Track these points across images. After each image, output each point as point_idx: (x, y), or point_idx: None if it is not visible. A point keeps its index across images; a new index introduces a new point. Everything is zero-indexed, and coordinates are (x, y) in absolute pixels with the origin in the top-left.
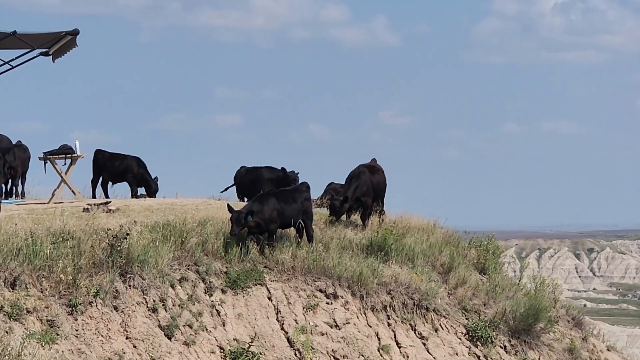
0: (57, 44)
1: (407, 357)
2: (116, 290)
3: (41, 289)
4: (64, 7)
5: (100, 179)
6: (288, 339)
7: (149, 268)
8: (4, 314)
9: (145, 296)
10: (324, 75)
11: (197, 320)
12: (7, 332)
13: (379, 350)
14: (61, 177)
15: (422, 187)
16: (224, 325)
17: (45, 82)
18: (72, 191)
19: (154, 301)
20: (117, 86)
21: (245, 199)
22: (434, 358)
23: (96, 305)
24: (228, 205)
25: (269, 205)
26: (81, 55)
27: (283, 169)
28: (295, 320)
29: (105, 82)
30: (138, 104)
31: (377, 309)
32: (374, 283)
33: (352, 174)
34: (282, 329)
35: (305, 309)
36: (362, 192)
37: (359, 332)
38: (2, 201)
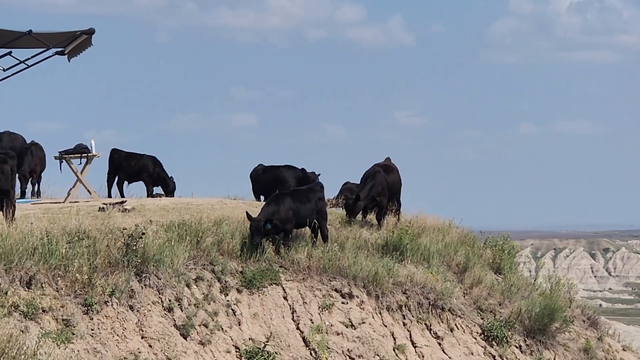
0: (73, 43)
1: (423, 356)
2: (132, 289)
3: (57, 288)
4: (79, 7)
5: (116, 178)
6: (304, 339)
7: (164, 267)
8: (20, 313)
9: (160, 295)
10: (339, 75)
11: (213, 320)
12: (22, 332)
13: (394, 350)
14: (77, 176)
15: (437, 187)
16: (239, 325)
17: (61, 82)
18: (88, 190)
19: (170, 300)
20: (132, 86)
21: (262, 198)
22: (450, 358)
23: (112, 305)
24: (247, 213)
25: (285, 205)
26: (97, 55)
27: (303, 169)
28: (311, 320)
29: (121, 81)
30: (153, 104)
31: (392, 309)
32: (389, 283)
33: (367, 174)
34: (298, 328)
35: (320, 309)
36: (378, 191)
37: (374, 331)
38: (18, 200)
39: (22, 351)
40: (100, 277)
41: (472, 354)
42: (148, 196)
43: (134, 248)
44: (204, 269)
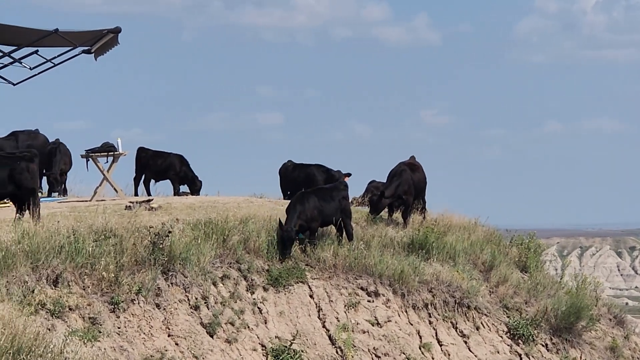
0: (99, 41)
1: (449, 355)
2: (158, 287)
3: (83, 286)
4: (105, 5)
5: (143, 176)
6: (329, 337)
7: (191, 266)
8: (47, 312)
9: (187, 294)
10: (365, 74)
11: (239, 318)
12: (49, 330)
13: (420, 349)
14: (103, 174)
15: (463, 186)
16: (265, 323)
17: (87, 80)
18: (115, 189)
19: (196, 299)
20: (159, 84)
21: (289, 194)
22: (476, 356)
23: (138, 303)
24: (280, 221)
25: (310, 204)
26: (123, 53)
27: (329, 170)
28: (337, 318)
29: (148, 80)
30: (180, 102)
31: (418, 307)
32: (415, 281)
33: (394, 172)
34: (324, 326)
35: (346, 307)
36: (404, 190)
37: (400, 330)
38: (45, 199)
39: (48, 349)
40: (127, 276)
41: (498, 352)
42: (175, 194)
43: (161, 246)
44: (230, 267)
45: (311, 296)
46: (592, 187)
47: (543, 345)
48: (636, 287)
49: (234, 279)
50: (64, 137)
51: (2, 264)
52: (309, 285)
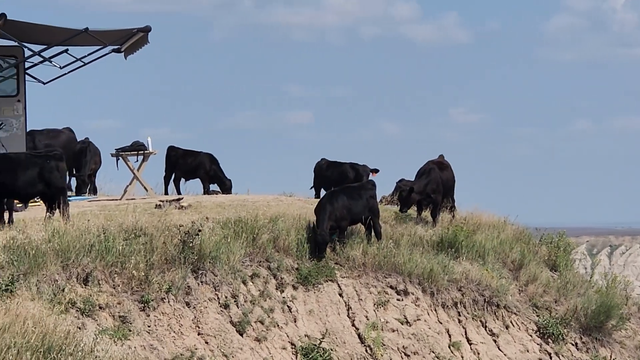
0: (129, 40)
1: (478, 353)
2: (188, 286)
3: (113, 285)
4: (135, 4)
5: (173, 175)
6: (359, 335)
7: (220, 264)
8: (77, 310)
9: (217, 292)
10: (394, 73)
11: (269, 317)
12: (79, 328)
13: (449, 347)
14: (133, 173)
15: (492, 184)
16: (295, 322)
17: (117, 79)
18: (145, 188)
19: (226, 297)
20: (188, 83)
21: (323, 192)
22: (505, 355)
23: (168, 302)
24: (314, 225)
25: (339, 203)
26: (153, 52)
27: (357, 166)
28: (366, 317)
29: (177, 79)
30: (209, 101)
31: (447, 306)
32: (444, 280)
33: (422, 170)
34: (353, 325)
35: (376, 306)
36: (432, 188)
37: (429, 328)
38: (75, 198)
39: (79, 348)
40: (157, 274)
41: (527, 351)
42: (204, 193)
43: (191, 245)
44: (259, 265)
45: (340, 295)
46: (622, 186)
47: (573, 344)
48: None
49: (264, 277)
50: (94, 135)
51: (33, 262)
52: (338, 284)
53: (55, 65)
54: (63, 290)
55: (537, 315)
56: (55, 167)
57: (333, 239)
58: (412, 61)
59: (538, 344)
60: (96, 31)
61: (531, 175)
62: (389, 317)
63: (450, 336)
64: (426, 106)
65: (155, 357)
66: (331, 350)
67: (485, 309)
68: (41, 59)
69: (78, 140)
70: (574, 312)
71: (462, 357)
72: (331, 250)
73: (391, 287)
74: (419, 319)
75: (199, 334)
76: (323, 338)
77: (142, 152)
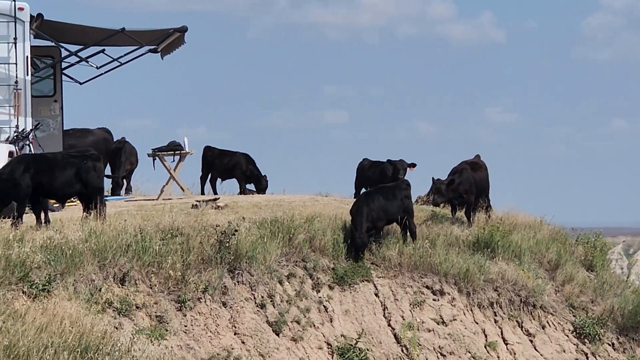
0: (166, 40)
1: (514, 354)
2: (224, 286)
3: (150, 285)
4: (171, 3)
5: (209, 175)
6: (395, 335)
7: (257, 264)
8: (114, 310)
9: (253, 292)
10: (429, 72)
11: (305, 316)
12: (116, 328)
13: (485, 347)
14: (170, 173)
15: (528, 184)
16: (331, 322)
17: (153, 79)
18: (181, 188)
19: (262, 297)
20: (224, 83)
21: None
22: (541, 355)
23: (205, 301)
24: (352, 227)
25: (375, 204)
26: (189, 52)
27: (395, 163)
28: (402, 317)
29: (213, 78)
30: (245, 101)
31: (483, 306)
32: (480, 280)
33: (454, 170)
34: (389, 325)
35: (412, 306)
36: (465, 189)
37: (465, 328)
38: (112, 198)
39: (116, 347)
40: (194, 274)
41: (564, 351)
42: (240, 193)
43: (227, 245)
44: (296, 265)
45: (376, 295)
46: None
47: (609, 345)
48: None
49: (300, 277)
50: (131, 135)
51: (70, 262)
52: (374, 284)
53: (92, 66)
54: (100, 290)
55: (574, 316)
56: (92, 167)
57: (371, 240)
58: (447, 60)
59: (574, 344)
60: (133, 31)
61: (567, 175)
62: (425, 317)
63: (486, 336)
64: (462, 105)
65: (192, 357)
66: (367, 350)
67: (521, 309)
68: (78, 59)
69: (114, 140)
70: (611, 312)
71: (498, 357)
72: (367, 250)
73: (427, 287)
74: (455, 319)
75: (235, 334)
76: (359, 338)
77: (178, 152)
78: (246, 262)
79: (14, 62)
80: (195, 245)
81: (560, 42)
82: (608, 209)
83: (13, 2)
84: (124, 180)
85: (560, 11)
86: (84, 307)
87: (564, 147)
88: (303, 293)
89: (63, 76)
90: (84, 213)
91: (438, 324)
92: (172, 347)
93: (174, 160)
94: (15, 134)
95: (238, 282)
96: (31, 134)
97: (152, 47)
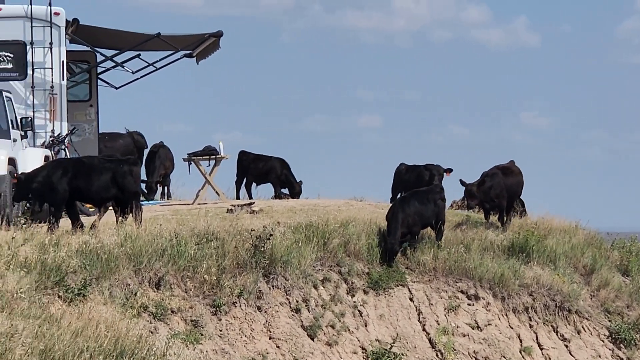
0: (201, 45)
1: (549, 359)
2: (260, 290)
3: (185, 289)
4: (206, 8)
5: (244, 180)
6: (429, 340)
7: (292, 269)
8: (149, 314)
9: (288, 296)
10: (464, 76)
11: (340, 321)
12: (152, 332)
13: (520, 352)
14: (205, 178)
15: (564, 188)
16: (366, 326)
17: (189, 84)
18: (216, 192)
19: (297, 301)
20: (259, 87)
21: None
22: None
23: (240, 306)
24: (385, 232)
25: (411, 209)
26: (224, 56)
27: (430, 167)
28: (437, 321)
29: (248, 83)
30: (280, 105)
31: (518, 311)
32: (515, 284)
33: (485, 174)
34: (424, 329)
35: (446, 310)
36: (496, 193)
37: (500, 333)
38: (148, 202)
39: (151, 352)
40: (229, 278)
41: (599, 356)
42: (275, 198)
43: (262, 249)
44: (330, 270)
45: (411, 299)
46: None
47: None
48: None
49: (335, 282)
50: (166, 139)
51: (105, 267)
52: (409, 289)
53: (128, 70)
54: (135, 294)
55: (609, 321)
56: (129, 172)
57: (404, 246)
58: (482, 65)
59: (610, 349)
60: (168, 36)
61: (602, 179)
62: (459, 321)
63: (521, 341)
64: (496, 109)
65: None
66: (402, 354)
67: (556, 314)
68: (113, 64)
69: (150, 144)
70: None
71: None
72: (402, 254)
73: (462, 291)
74: (490, 324)
75: (270, 338)
76: (394, 343)
77: (214, 156)
78: (281, 267)
79: (50, 67)
80: (230, 249)
81: (595, 45)
82: None
83: (49, 7)
84: (158, 185)
85: (595, 15)
86: (120, 311)
87: (599, 151)
88: (338, 297)
89: (99, 81)
90: (120, 218)
91: (473, 329)
92: (207, 352)
93: (209, 165)
94: (51, 138)
95: (273, 286)
96: (67, 139)
97: (188, 52)
